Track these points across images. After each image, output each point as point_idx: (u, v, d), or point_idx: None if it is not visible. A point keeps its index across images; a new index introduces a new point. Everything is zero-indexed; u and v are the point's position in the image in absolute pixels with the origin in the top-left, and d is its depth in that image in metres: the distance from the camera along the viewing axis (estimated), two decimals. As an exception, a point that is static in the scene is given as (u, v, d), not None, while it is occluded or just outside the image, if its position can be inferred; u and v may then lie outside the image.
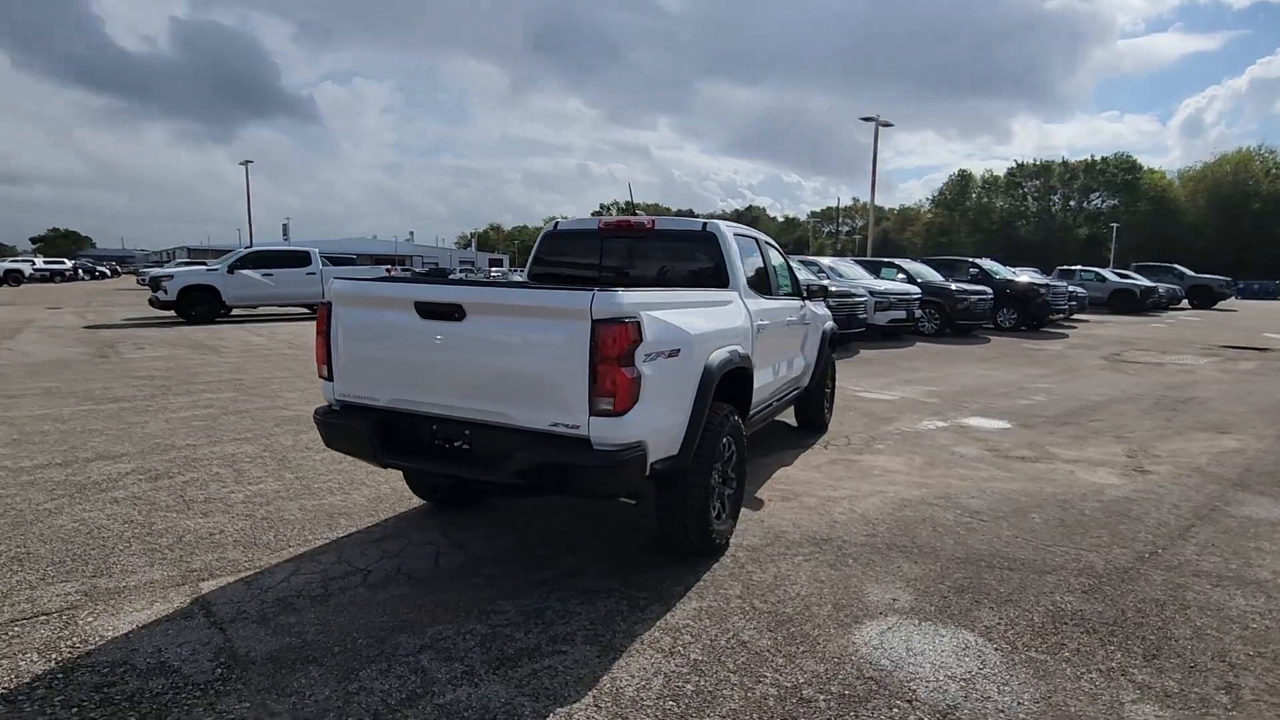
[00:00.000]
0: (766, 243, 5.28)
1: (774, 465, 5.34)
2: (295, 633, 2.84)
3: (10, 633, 2.81)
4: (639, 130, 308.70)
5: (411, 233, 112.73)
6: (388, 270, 23.29)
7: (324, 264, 18.17)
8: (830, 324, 6.47)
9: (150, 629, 2.86)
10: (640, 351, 2.84)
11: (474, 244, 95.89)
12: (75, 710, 2.33)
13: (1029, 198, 77.48)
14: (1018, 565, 3.56)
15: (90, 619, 2.93)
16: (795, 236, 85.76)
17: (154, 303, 16.35)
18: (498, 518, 4.13)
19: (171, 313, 16.42)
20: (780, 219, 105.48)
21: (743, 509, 4.32)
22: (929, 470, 5.29)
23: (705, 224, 4.37)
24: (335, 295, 3.33)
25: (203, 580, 3.30)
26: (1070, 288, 19.11)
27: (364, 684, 2.49)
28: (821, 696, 2.44)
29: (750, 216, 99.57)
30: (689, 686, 2.49)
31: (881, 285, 14.64)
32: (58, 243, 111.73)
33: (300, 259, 17.76)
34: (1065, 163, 74.54)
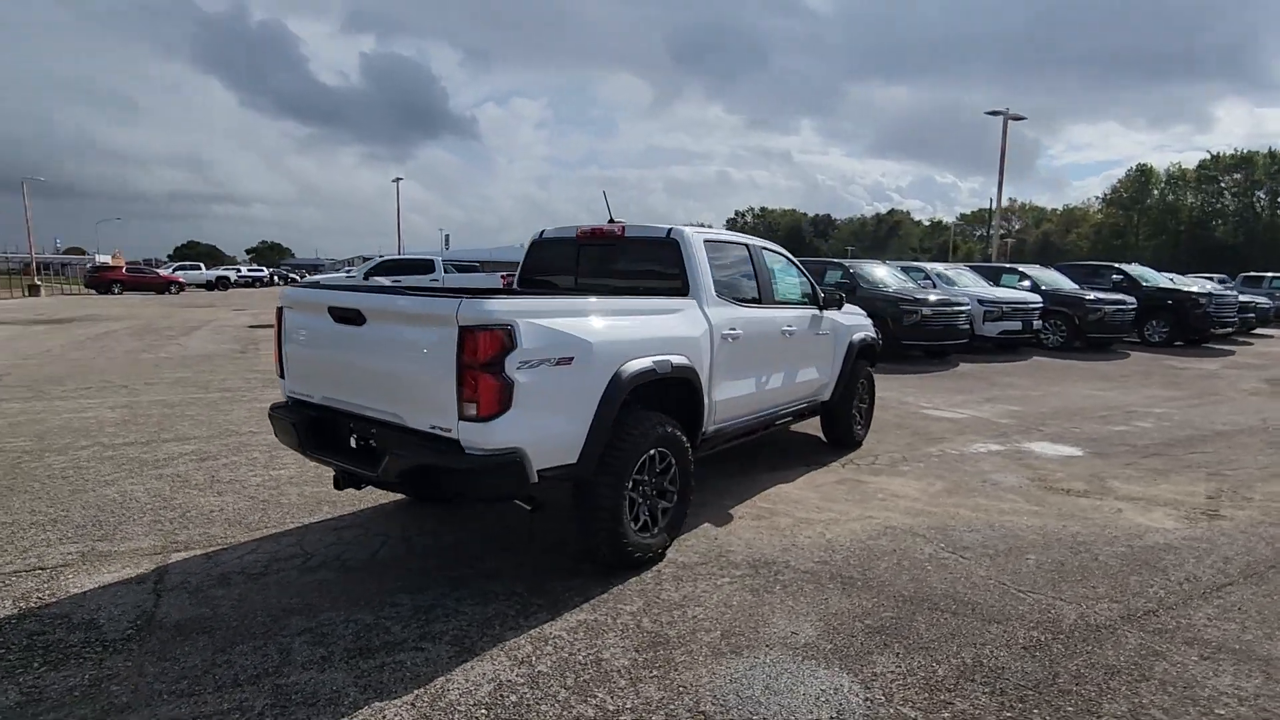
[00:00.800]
0: (763, 249, 5.05)
1: (774, 481, 5.09)
2: (213, 605, 3.14)
3: (4, 582, 3.34)
4: (781, 135, 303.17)
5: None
6: (502, 279, 24.59)
7: (448, 271, 19.59)
8: (863, 335, 6.05)
9: (105, 590, 3.28)
10: (514, 358, 2.85)
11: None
12: (1, 653, 2.73)
13: (1226, 194, 67.05)
14: (965, 610, 3.16)
15: (71, 577, 3.41)
16: (939, 241, 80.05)
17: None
18: (462, 517, 4.28)
19: (313, 314, 18.43)
20: (926, 223, 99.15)
21: (709, 524, 4.18)
22: (944, 498, 4.80)
23: (670, 230, 4.27)
24: (282, 300, 3.64)
25: (176, 552, 3.72)
26: (1246, 298, 16.38)
27: (231, 657, 2.71)
28: (640, 725, 2.33)
29: (890, 221, 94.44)
30: (512, 698, 2.47)
31: (993, 293, 13.39)
32: (265, 253, 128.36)
33: (424, 267, 19.29)
34: (1273, 154, 63.57)
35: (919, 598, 3.28)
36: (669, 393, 3.83)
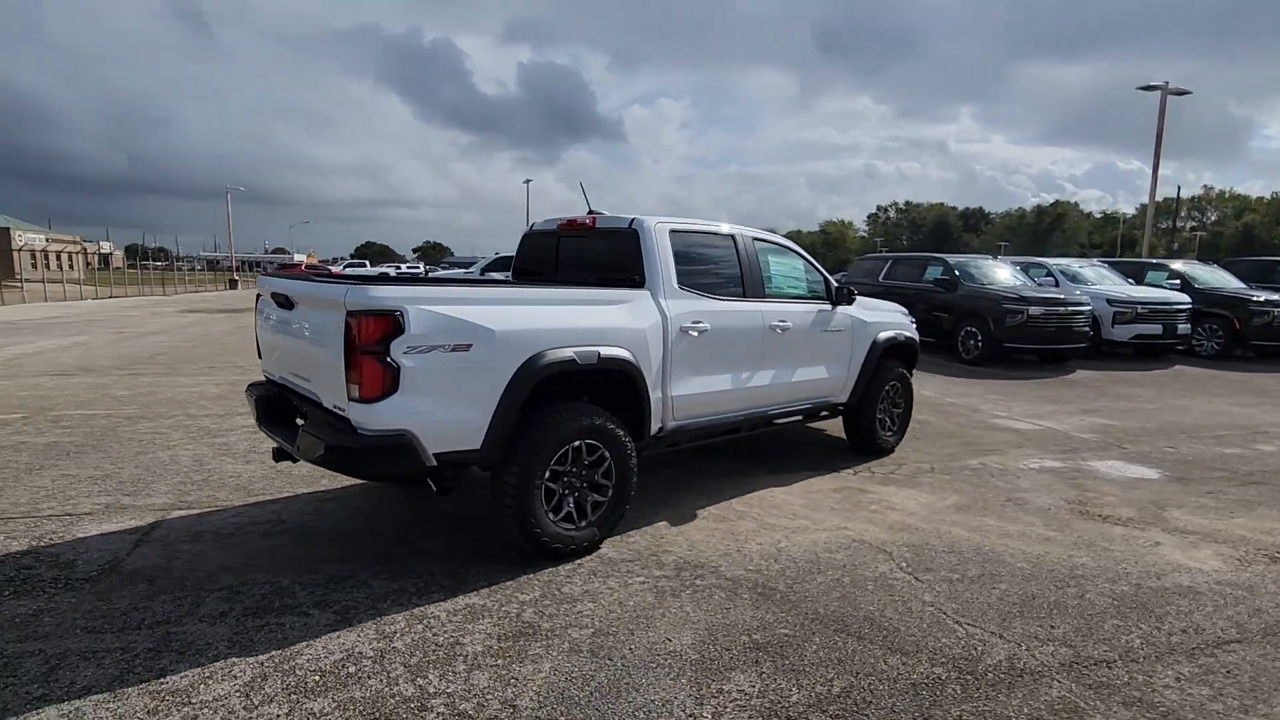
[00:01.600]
0: (757, 240, 4.79)
1: (768, 483, 4.83)
2: (172, 558, 3.51)
3: (28, 521, 3.93)
4: (935, 124, 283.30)
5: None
6: None
7: None
8: (892, 334, 5.58)
9: (102, 537, 3.76)
10: (400, 343, 2.94)
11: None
12: (-11, 580, 3.22)
13: None
14: (875, 636, 2.84)
15: (85, 525, 3.95)
16: (1112, 235, 71.00)
17: (422, 298, 19.94)
18: (434, 499, 4.46)
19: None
20: (1098, 214, 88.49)
21: (666, 523, 4.08)
22: (947, 514, 4.33)
23: (631, 221, 4.17)
24: (258, 286, 3.98)
25: (177, 510, 4.19)
26: None
27: (152, 604, 3.02)
28: (410, 713, 2.33)
29: (1053, 214, 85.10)
30: (351, 668, 2.55)
31: (1126, 293, 11.76)
32: (429, 252, 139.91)
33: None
34: None
35: (833, 618, 2.99)
36: (608, 385, 3.77)
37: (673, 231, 4.23)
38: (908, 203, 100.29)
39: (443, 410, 3.09)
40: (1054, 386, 9.30)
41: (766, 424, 4.87)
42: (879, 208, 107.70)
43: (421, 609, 3.01)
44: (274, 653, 2.65)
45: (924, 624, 2.95)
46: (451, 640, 2.76)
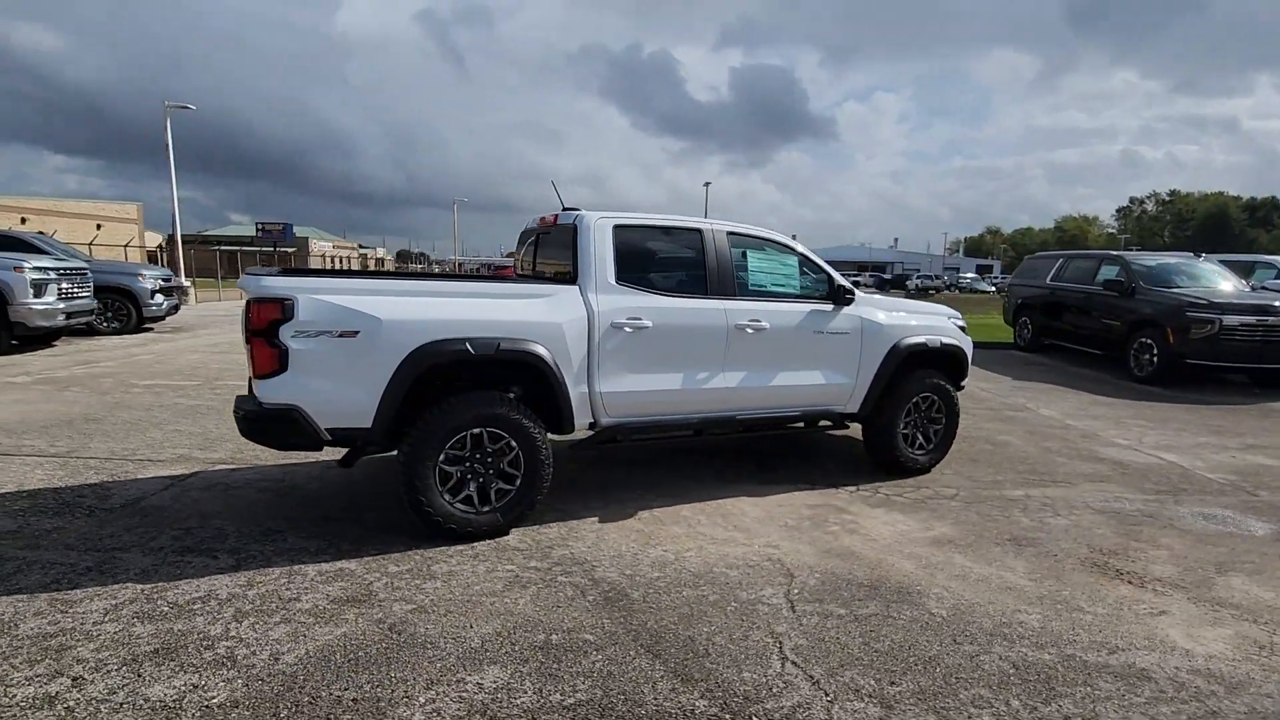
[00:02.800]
0: (733, 234, 4.50)
1: (742, 492, 4.56)
2: (178, 500, 4.23)
3: (117, 462, 4.95)
4: (1222, 98, 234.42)
5: (895, 239, 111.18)
6: None
7: None
8: (920, 340, 4.92)
9: (149, 480, 4.64)
10: (289, 328, 3.30)
11: (961, 249, 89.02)
12: (9, 506, 4.15)
13: None
14: (677, 659, 2.62)
15: (149, 468, 4.89)
16: None
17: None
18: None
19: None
20: None
21: (596, 519, 4.08)
22: (917, 547, 3.77)
23: (574, 215, 4.17)
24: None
25: (221, 464, 5.02)
26: None
27: (125, 533, 3.69)
28: (196, 649, 2.61)
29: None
30: (194, 606, 2.94)
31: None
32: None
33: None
34: None
35: (654, 633, 2.80)
36: (526, 377, 3.85)
37: (619, 226, 4.17)
38: (1173, 193, 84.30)
39: (331, 390, 3.40)
40: (1237, 415, 7.46)
41: (742, 428, 4.59)
42: (1132, 200, 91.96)
43: (301, 566, 3.35)
44: (160, 584, 3.13)
45: (743, 655, 2.66)
46: (294, 596, 3.05)
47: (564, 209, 4.69)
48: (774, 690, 2.43)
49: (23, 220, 31.24)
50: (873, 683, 2.49)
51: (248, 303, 3.34)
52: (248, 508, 4.12)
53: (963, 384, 5.34)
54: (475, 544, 3.65)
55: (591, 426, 4.10)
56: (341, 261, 57.69)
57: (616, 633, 2.80)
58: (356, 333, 3.41)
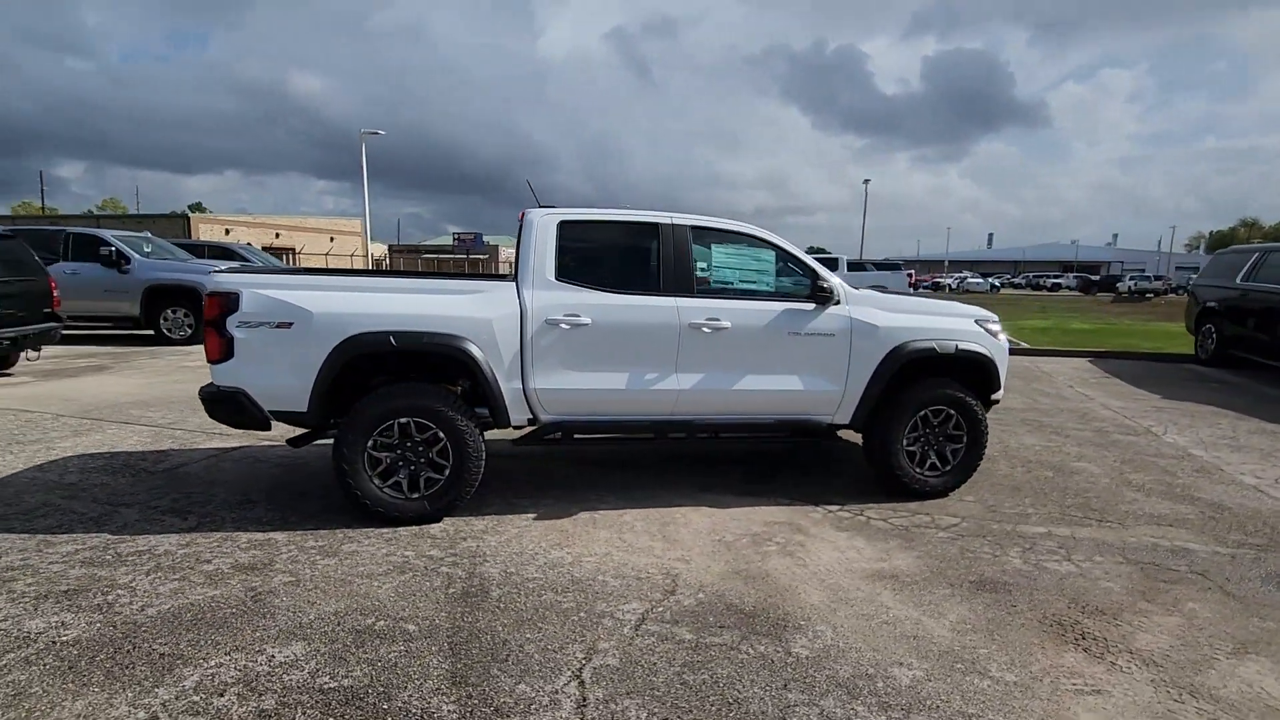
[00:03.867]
0: (695, 228, 4.22)
1: (708, 501, 4.30)
2: (208, 471, 4.87)
3: (192, 435, 5.81)
4: None
5: (1115, 236, 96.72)
6: (910, 276, 22.25)
7: (865, 270, 19.33)
8: (925, 344, 4.31)
9: (200, 450, 5.39)
10: (234, 319, 3.68)
11: (1203, 245, 75.25)
12: (87, 464, 4.99)
13: None
14: (450, 655, 2.55)
15: (212, 441, 5.67)
16: None
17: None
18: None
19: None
20: None
21: (532, 516, 4.10)
22: (850, 577, 3.32)
23: (524, 213, 4.17)
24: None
25: (265, 440, 5.68)
26: None
27: (141, 492, 4.33)
28: (98, 592, 2.98)
29: None
30: (128, 558, 3.37)
31: None
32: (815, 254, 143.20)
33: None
34: None
35: (471, 630, 2.75)
36: (458, 371, 3.95)
37: (566, 223, 4.12)
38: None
39: (270, 376, 3.74)
40: None
41: (707, 433, 4.33)
42: None
43: (241, 534, 3.71)
44: (125, 536, 3.64)
45: (539, 667, 2.52)
46: (208, 559, 3.39)
47: (539, 206, 4.73)
48: (534, 706, 2.29)
49: (226, 231, 37.72)
50: (645, 715, 2.25)
51: (205, 296, 3.79)
52: (252, 480, 4.65)
53: (994, 397, 4.58)
54: (400, 529, 3.81)
55: (532, 423, 4.10)
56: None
57: (440, 627, 2.79)
58: (291, 324, 3.71)
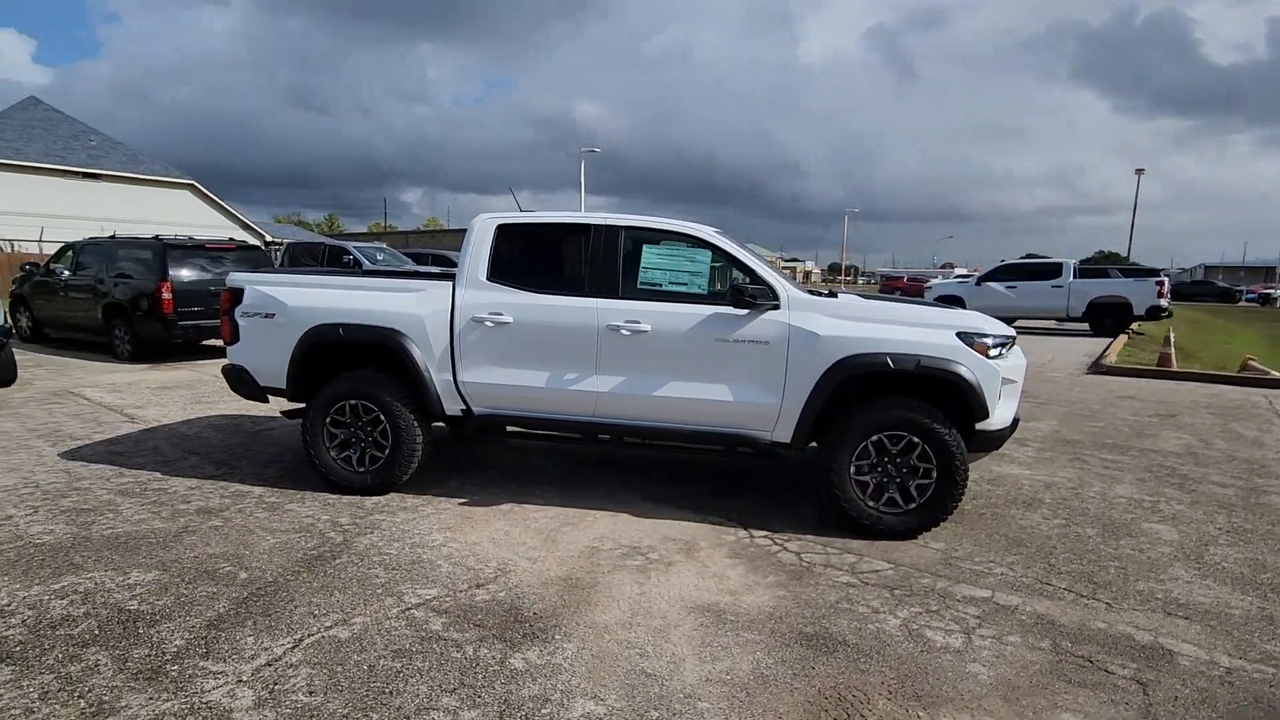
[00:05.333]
0: (634, 228, 4.08)
1: (648, 513, 4.16)
2: (279, 433, 5.95)
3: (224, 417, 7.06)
4: None
5: None
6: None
7: (1075, 276, 16.37)
8: (875, 353, 3.68)
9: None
10: (239, 310, 4.49)
11: None
12: (212, 422, 6.29)
13: None
14: (213, 601, 2.88)
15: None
16: None
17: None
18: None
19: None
20: None
21: (460, 504, 4.39)
22: (676, 607, 3.05)
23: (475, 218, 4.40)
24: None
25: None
26: None
27: (214, 449, 5.46)
28: (105, 514, 3.87)
29: None
30: (135, 491, 4.34)
31: None
32: (1100, 262, 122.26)
33: (1049, 271, 16.67)
34: None
35: (253, 586, 3.09)
36: (395, 361, 4.36)
37: (503, 226, 4.30)
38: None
39: (262, 358, 4.49)
40: None
41: (639, 439, 4.20)
42: None
43: (242, 486, 4.49)
44: (168, 477, 4.65)
45: (272, 619, 2.77)
46: (190, 500, 4.21)
47: (519, 211, 4.97)
48: (241, 657, 2.55)
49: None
50: (305, 686, 2.38)
51: (222, 291, 4.68)
52: (292, 445, 5.55)
53: (983, 427, 3.74)
54: (344, 497, 4.31)
55: (466, 414, 4.35)
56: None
57: (260, 579, 3.17)
58: (273, 315, 4.43)
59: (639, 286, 4.11)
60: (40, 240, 23.33)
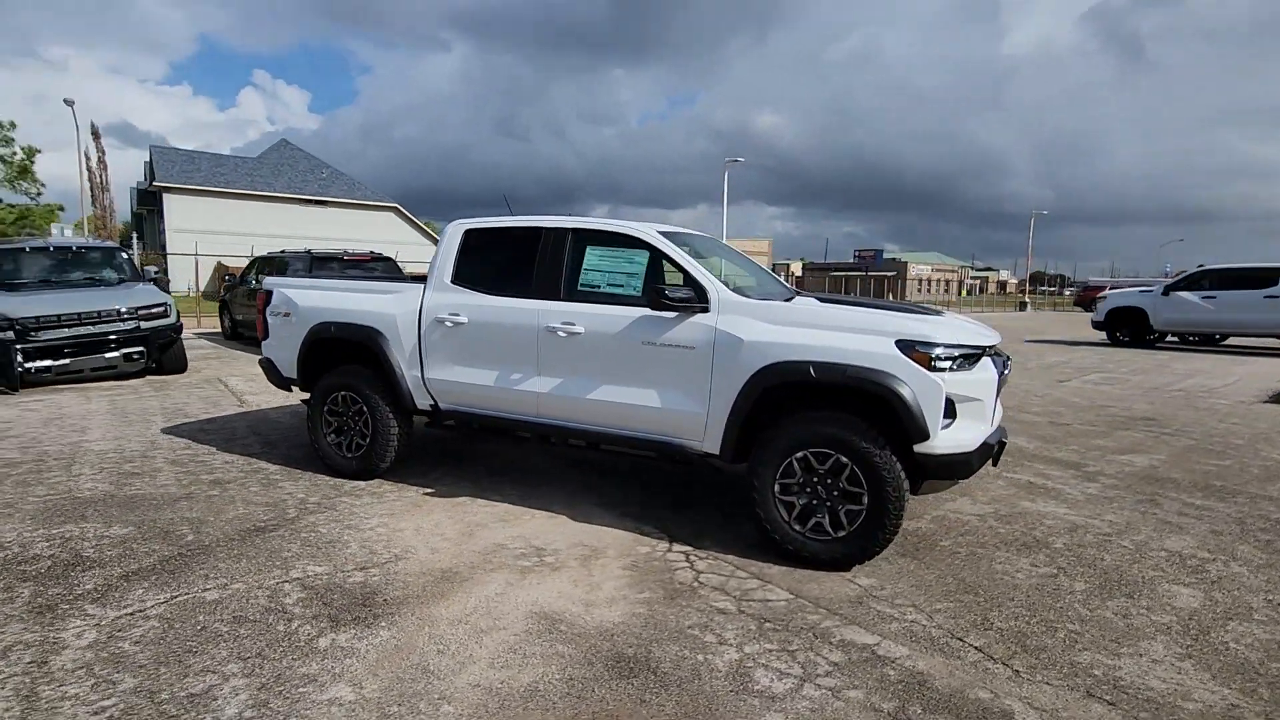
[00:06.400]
0: (582, 231, 4.05)
1: (578, 515, 4.14)
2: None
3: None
4: None
5: None
6: None
7: None
8: (792, 361, 3.32)
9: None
10: (269, 309, 5.12)
11: None
12: (285, 409, 7.13)
13: None
14: (160, 556, 3.29)
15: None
16: None
17: (1094, 324, 16.49)
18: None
19: (1104, 334, 16.17)
20: None
21: (424, 493, 4.67)
22: (542, 622, 2.99)
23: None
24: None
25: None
26: None
27: (269, 432, 6.22)
28: (145, 473, 4.60)
29: None
30: (168, 456, 5.07)
31: None
32: None
33: (1262, 278, 13.66)
34: None
35: (197, 548, 3.48)
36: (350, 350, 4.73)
37: (470, 230, 4.48)
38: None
39: (283, 351, 5.07)
40: None
41: (583, 442, 4.15)
42: None
43: (262, 462, 5.13)
44: (217, 453, 5.41)
45: (175, 574, 3.12)
46: (214, 471, 4.85)
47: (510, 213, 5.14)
48: (105, 602, 2.93)
49: None
50: (138, 649, 2.68)
51: (257, 294, 5.34)
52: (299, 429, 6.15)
53: (921, 449, 3.21)
54: (330, 479, 4.73)
55: (435, 410, 4.57)
56: (935, 285, 58.06)
57: (200, 543, 3.59)
58: (289, 314, 4.99)
59: (579, 289, 4.08)
60: (251, 255, 27.97)
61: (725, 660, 2.59)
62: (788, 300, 3.87)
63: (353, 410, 4.73)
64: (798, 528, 3.44)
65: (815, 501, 3.41)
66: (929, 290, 60.54)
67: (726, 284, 3.78)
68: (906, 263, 62.50)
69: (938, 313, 4.21)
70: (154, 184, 32.85)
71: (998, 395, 3.65)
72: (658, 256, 3.93)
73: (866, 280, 46.91)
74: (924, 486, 3.50)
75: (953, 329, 3.42)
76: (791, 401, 3.54)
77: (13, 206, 30.81)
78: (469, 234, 4.50)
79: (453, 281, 4.44)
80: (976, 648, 2.70)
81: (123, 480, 4.62)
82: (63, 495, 4.29)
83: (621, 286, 3.98)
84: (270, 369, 5.21)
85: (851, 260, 53.69)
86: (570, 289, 4.09)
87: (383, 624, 2.82)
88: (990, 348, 3.48)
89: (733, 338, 3.55)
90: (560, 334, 3.98)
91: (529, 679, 2.46)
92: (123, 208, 47.26)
